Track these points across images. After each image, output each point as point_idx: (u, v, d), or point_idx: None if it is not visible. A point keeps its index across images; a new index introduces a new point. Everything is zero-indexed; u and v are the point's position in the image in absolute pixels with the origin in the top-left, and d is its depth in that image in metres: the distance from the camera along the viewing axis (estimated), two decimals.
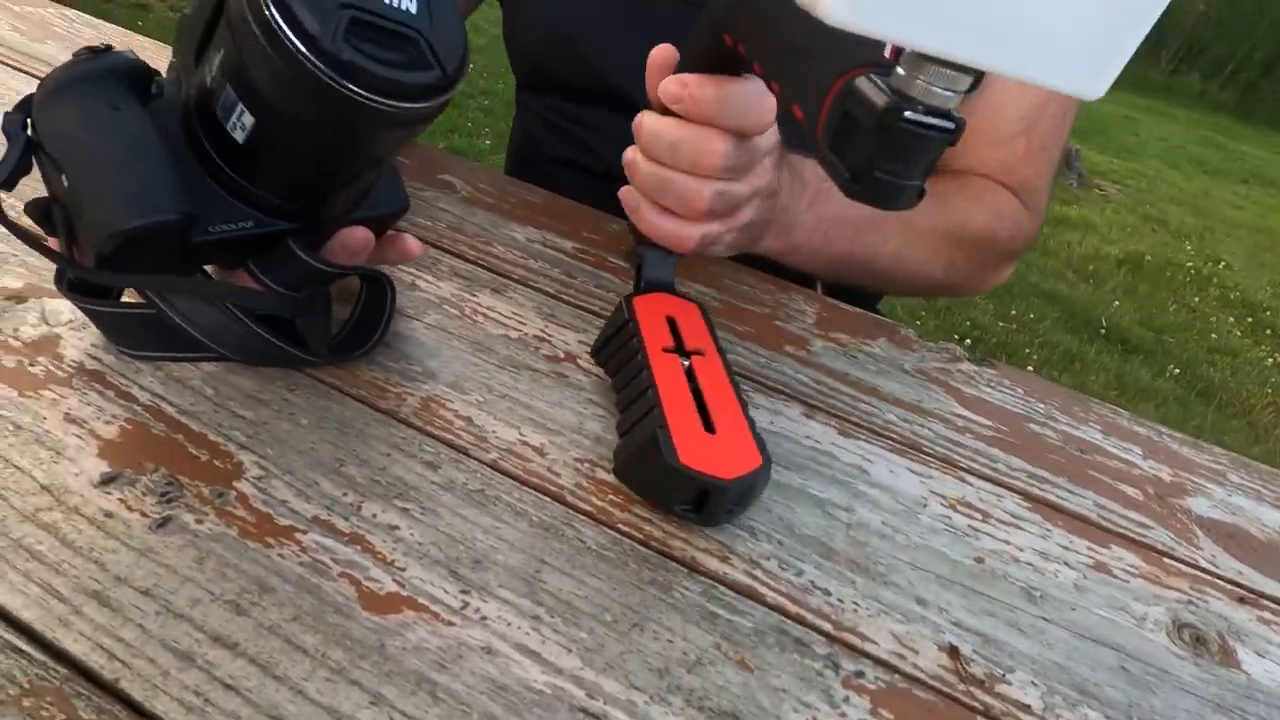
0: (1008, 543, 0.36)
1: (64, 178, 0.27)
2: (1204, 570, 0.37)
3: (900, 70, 0.23)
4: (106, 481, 0.28)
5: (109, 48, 0.29)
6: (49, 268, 0.38)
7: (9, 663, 0.22)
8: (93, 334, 0.35)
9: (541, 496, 0.32)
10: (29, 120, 0.28)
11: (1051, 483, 0.41)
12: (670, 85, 0.37)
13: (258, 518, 0.28)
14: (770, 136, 0.40)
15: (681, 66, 0.39)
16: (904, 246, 0.53)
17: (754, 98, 0.36)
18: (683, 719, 0.25)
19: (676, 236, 0.41)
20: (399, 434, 0.33)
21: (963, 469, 0.40)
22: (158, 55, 0.65)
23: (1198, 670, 0.32)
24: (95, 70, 0.28)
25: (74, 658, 0.23)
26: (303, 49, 0.25)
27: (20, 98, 0.28)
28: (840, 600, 0.31)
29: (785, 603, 0.30)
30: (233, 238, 0.30)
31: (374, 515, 0.30)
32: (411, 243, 0.36)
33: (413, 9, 0.27)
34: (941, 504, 0.37)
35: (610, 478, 0.34)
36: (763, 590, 0.30)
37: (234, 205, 0.30)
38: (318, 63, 0.25)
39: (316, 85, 0.25)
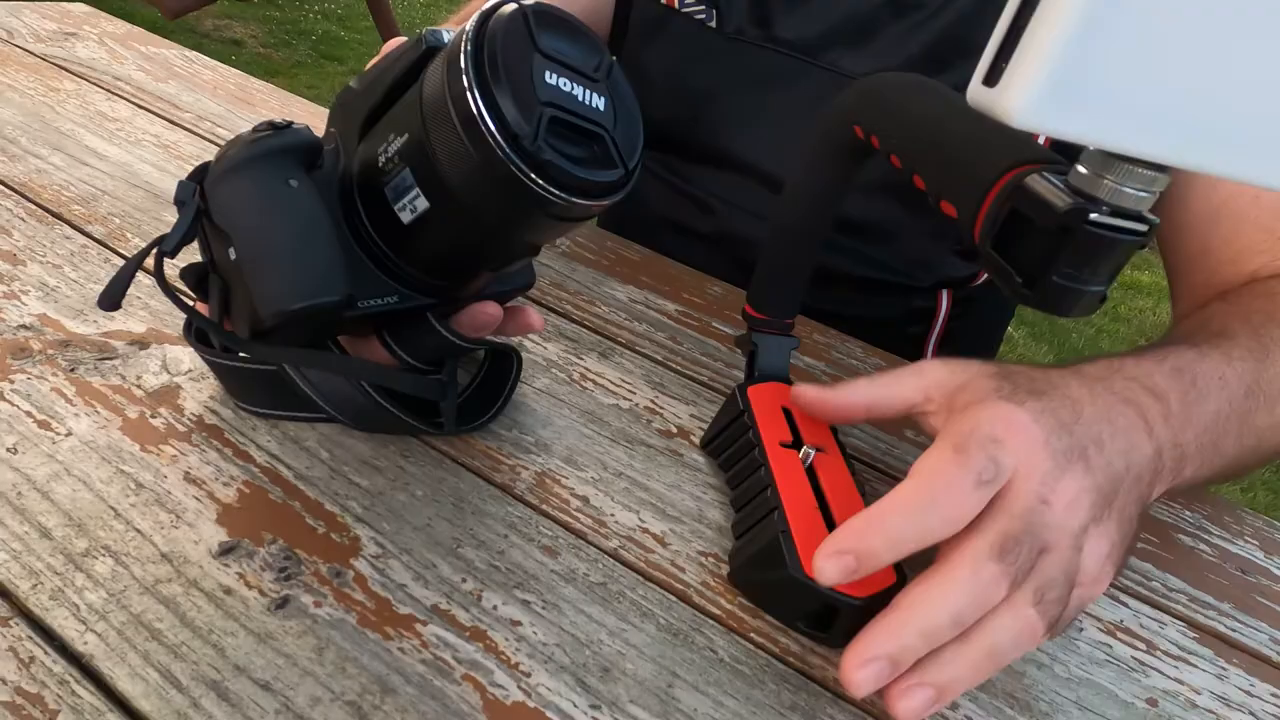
0: (1181, 682, 0.32)
1: (231, 250, 0.27)
2: None
3: (1082, 169, 0.21)
4: (225, 552, 0.27)
5: (289, 124, 0.29)
6: (171, 313, 0.38)
7: None
8: (211, 385, 0.34)
9: (667, 595, 0.30)
10: (200, 189, 0.28)
11: (1217, 609, 0.36)
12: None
13: (376, 603, 0.27)
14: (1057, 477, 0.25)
15: (805, 160, 0.36)
16: None
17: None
18: None
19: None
20: (515, 513, 0.31)
21: (1116, 586, 0.36)
22: (242, 87, 0.67)
23: None
24: (276, 147, 0.28)
25: None
26: (504, 146, 0.24)
27: (195, 167, 0.29)
28: None
29: None
30: (376, 312, 0.30)
31: (495, 607, 0.28)
32: (534, 317, 0.34)
33: (601, 105, 0.26)
34: (1099, 629, 0.33)
35: None
36: None
37: (382, 280, 0.29)
38: (518, 160, 0.24)
39: (511, 181, 0.25)
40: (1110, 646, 0.32)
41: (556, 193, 0.25)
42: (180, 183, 0.28)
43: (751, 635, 0.29)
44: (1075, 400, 0.27)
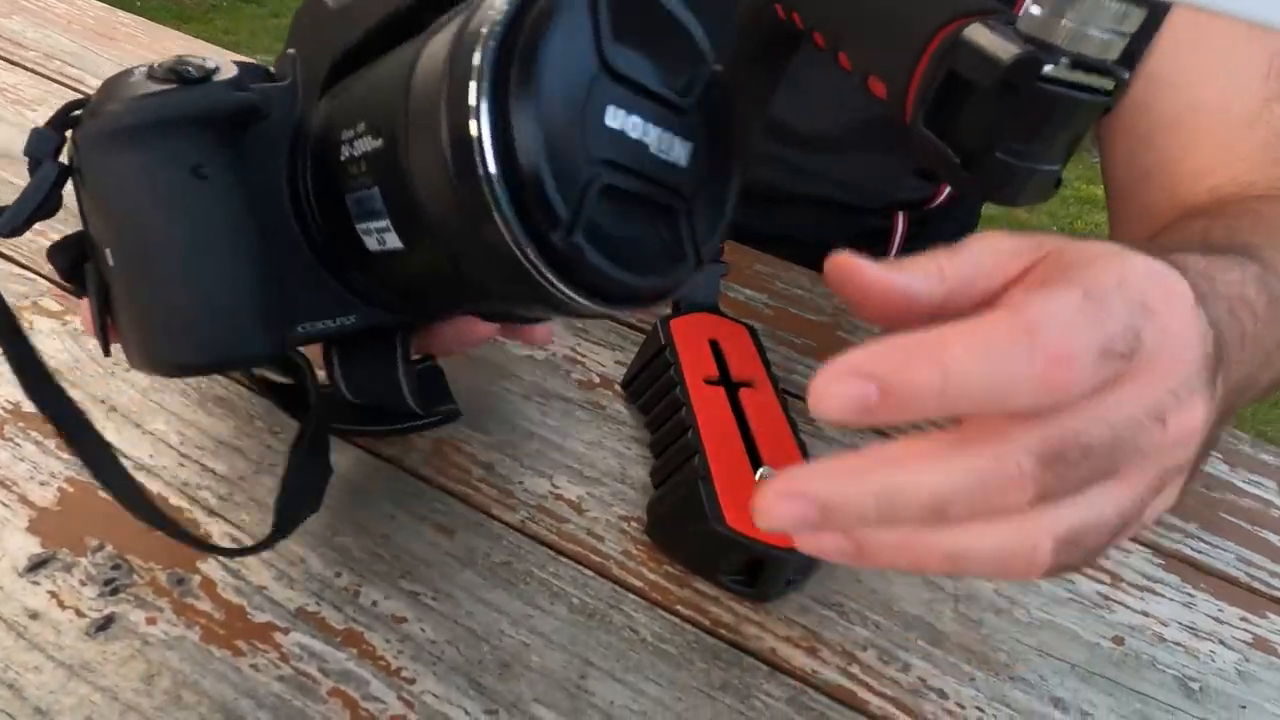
0: (1147, 614, 0.29)
1: (109, 252, 0.20)
2: None
3: (1034, 8, 0.16)
4: (36, 567, 0.22)
5: (208, 71, 0.19)
6: None
7: None
8: None
9: (582, 570, 0.26)
10: (65, 147, 0.20)
11: (1182, 530, 0.34)
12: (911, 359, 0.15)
13: (227, 613, 0.22)
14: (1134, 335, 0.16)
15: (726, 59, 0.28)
16: None
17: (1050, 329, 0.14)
18: None
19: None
20: (405, 489, 0.27)
21: None
22: (104, 21, 0.58)
23: None
24: (185, 113, 0.19)
25: None
26: (517, 229, 0.15)
27: (59, 109, 0.20)
28: (960, 705, 0.25)
29: (894, 712, 0.24)
30: (323, 335, 0.22)
31: (374, 603, 0.24)
32: (541, 331, 0.27)
33: (683, 157, 0.17)
34: None
35: None
36: (864, 696, 0.24)
37: (336, 293, 0.21)
38: (535, 256, 0.15)
39: (521, 274, 0.16)
40: (1073, 583, 0.30)
41: (585, 303, 0.16)
42: (35, 130, 0.20)
43: (678, 608, 0.25)
44: (1211, 295, 0.19)
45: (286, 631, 0.22)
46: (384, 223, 0.18)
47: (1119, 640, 0.28)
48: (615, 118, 0.16)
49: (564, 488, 0.29)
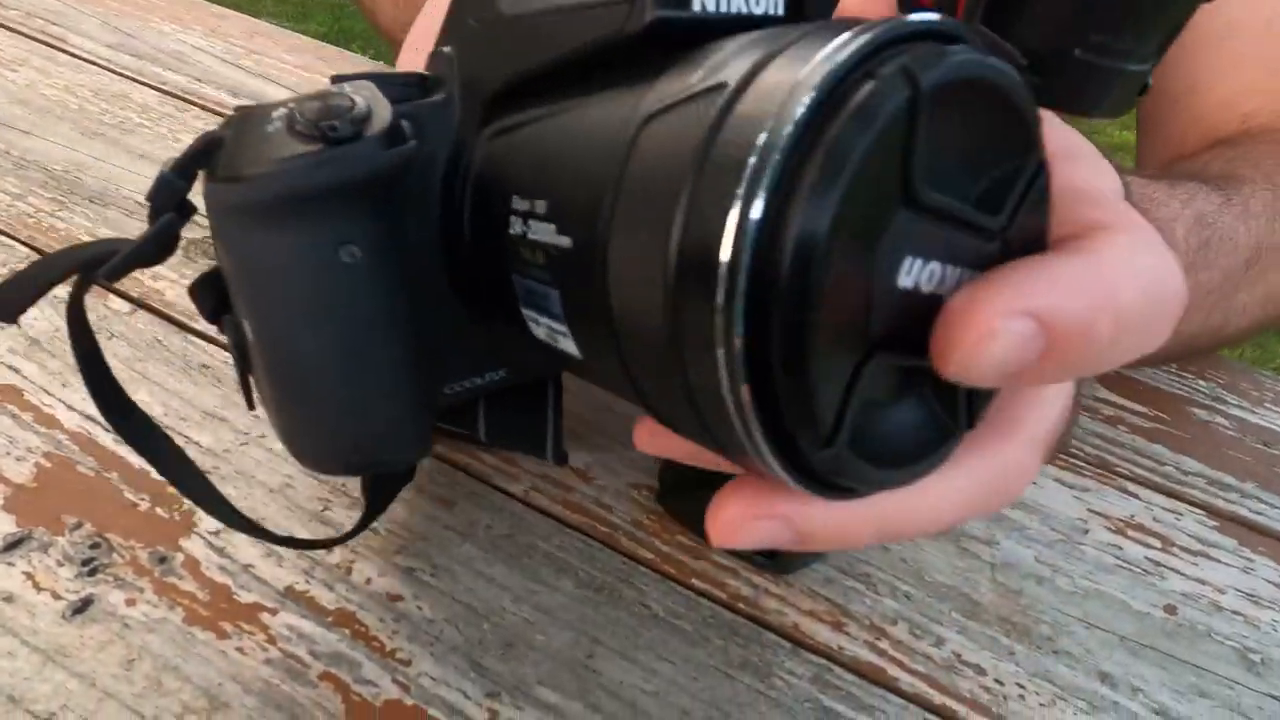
0: (1203, 582, 0.27)
1: (247, 325, 0.17)
2: None
3: None
4: (10, 547, 0.21)
5: (359, 128, 0.15)
6: None
7: None
8: (9, 336, 0.27)
9: (589, 541, 0.24)
10: (186, 202, 0.16)
11: (1239, 490, 0.31)
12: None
13: (211, 592, 0.21)
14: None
15: None
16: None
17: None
18: None
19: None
20: None
21: (1124, 475, 0.31)
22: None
23: None
24: (329, 186, 0.15)
25: None
26: (757, 432, 0.11)
27: (182, 153, 0.16)
28: (999, 681, 0.23)
29: (927, 690, 0.22)
30: (471, 394, 0.20)
31: (368, 580, 0.22)
32: None
33: None
34: (1107, 527, 0.28)
35: None
36: (894, 672, 0.22)
37: (488, 350, 0.19)
38: (777, 461, 0.11)
39: (735, 444, 0.11)
40: (1120, 548, 0.28)
41: (799, 487, 0.12)
42: (162, 177, 0.16)
43: (693, 581, 0.24)
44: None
45: (274, 612, 0.21)
46: (560, 327, 0.15)
47: (1171, 609, 0.26)
48: (910, 272, 0.11)
49: (570, 454, 0.27)
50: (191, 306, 0.26)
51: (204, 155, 0.15)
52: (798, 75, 0.10)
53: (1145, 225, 0.12)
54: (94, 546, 0.22)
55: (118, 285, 0.30)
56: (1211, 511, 0.30)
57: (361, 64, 0.55)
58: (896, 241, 0.10)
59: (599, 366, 0.15)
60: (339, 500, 0.24)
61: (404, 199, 0.16)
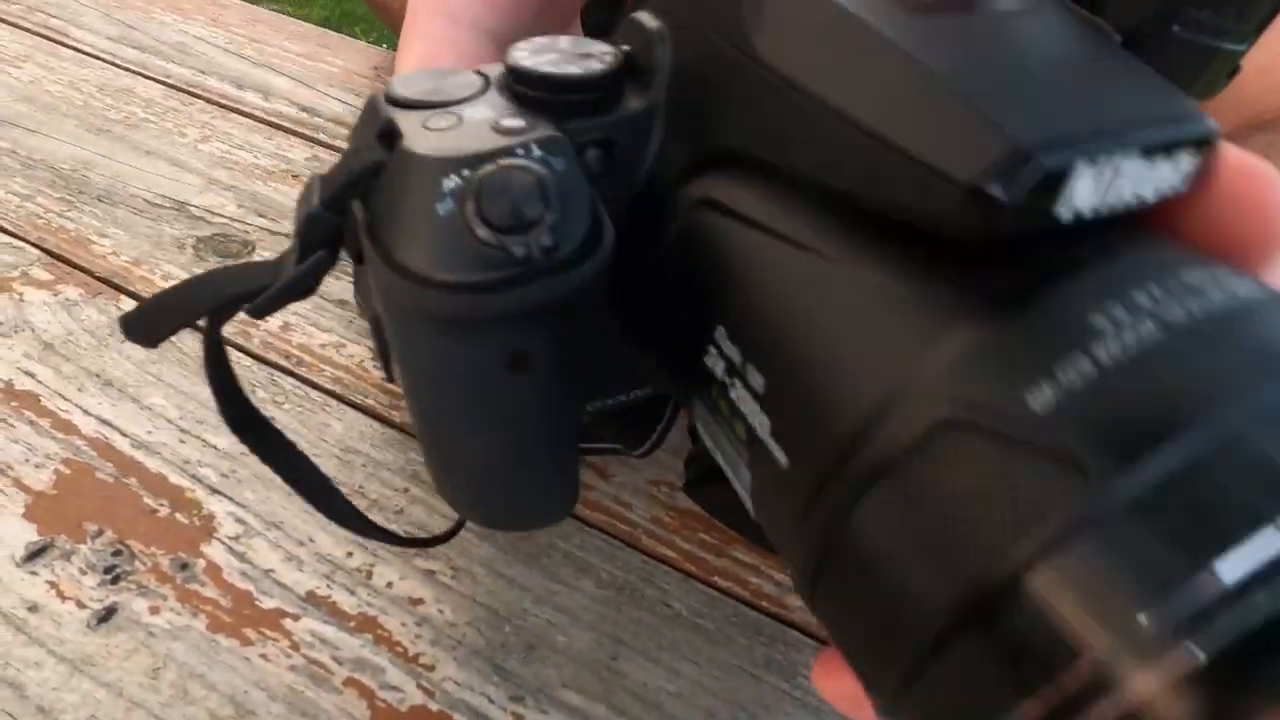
0: None
1: (402, 385, 0.16)
2: None
3: None
4: (33, 556, 0.21)
5: (550, 254, 0.13)
6: None
7: None
8: (26, 340, 0.27)
9: (610, 540, 0.24)
10: (339, 238, 0.14)
11: None
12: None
13: (233, 599, 0.21)
14: None
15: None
16: None
17: None
18: None
19: None
20: (420, 458, 0.25)
21: None
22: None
23: None
24: (507, 313, 0.13)
25: None
26: None
27: (334, 184, 0.14)
28: None
29: None
30: (613, 409, 0.18)
31: (389, 584, 0.22)
32: None
33: None
34: None
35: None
36: None
37: (634, 366, 0.17)
38: None
39: None
40: None
41: None
42: (310, 215, 0.14)
43: (716, 580, 0.23)
44: None
45: (297, 618, 0.21)
46: (745, 477, 0.13)
47: None
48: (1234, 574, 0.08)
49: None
50: None
51: (358, 184, 0.13)
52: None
53: None
54: (116, 554, 0.22)
55: (128, 284, 0.30)
56: None
57: (372, 51, 0.54)
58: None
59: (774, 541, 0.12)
60: (358, 502, 0.24)
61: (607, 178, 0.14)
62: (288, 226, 0.35)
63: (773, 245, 0.12)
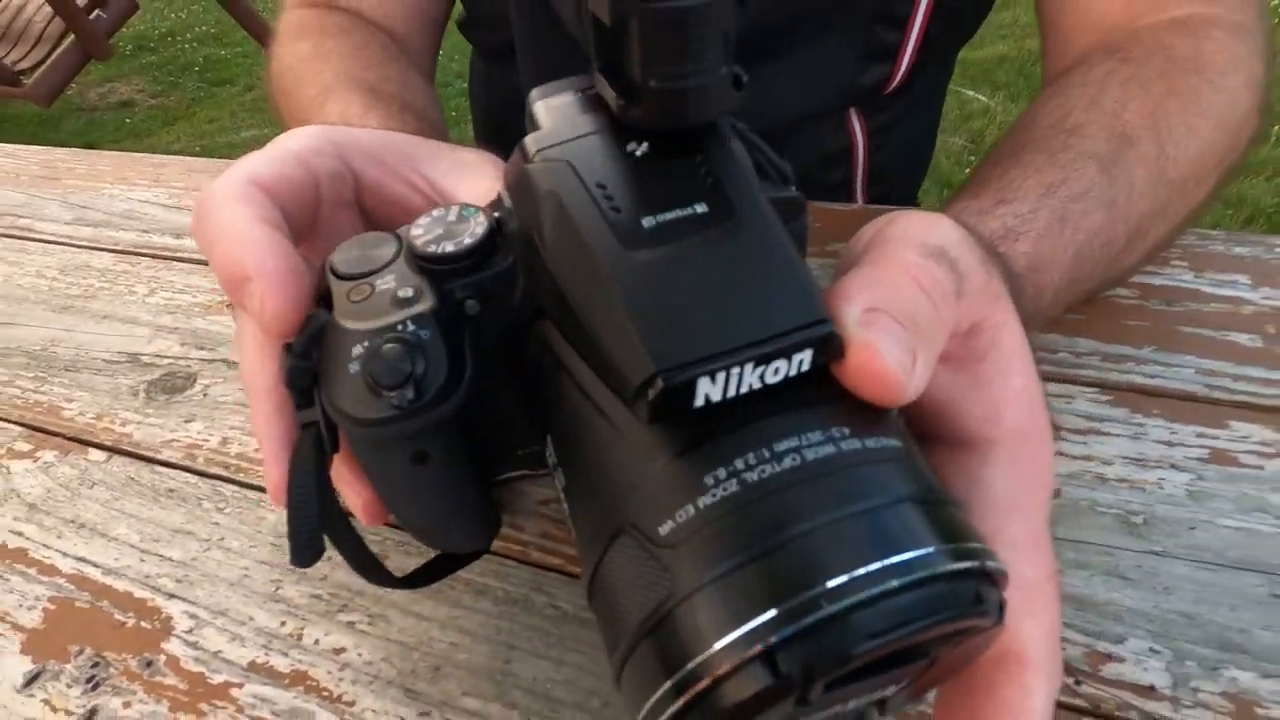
0: (1089, 458, 0.28)
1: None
2: None
3: None
4: (30, 682, 0.26)
5: (421, 395, 0.18)
6: None
7: None
8: (15, 508, 0.32)
9: (504, 562, 0.27)
10: (317, 376, 0.20)
11: (1135, 359, 0.32)
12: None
13: (189, 681, 0.25)
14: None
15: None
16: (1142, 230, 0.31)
17: None
18: None
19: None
20: None
21: None
22: (46, 164, 0.62)
23: None
24: (398, 437, 0.19)
25: None
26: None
27: (300, 339, 0.19)
28: None
29: None
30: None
31: (316, 641, 0.26)
32: None
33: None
34: None
35: None
36: None
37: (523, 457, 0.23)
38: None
39: None
40: None
41: None
42: (294, 366, 0.19)
43: None
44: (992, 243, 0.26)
45: (241, 685, 0.25)
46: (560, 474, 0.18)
47: (1055, 494, 0.27)
48: None
49: None
50: (156, 439, 0.30)
51: (314, 339, 0.19)
52: (740, 635, 0.13)
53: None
54: (94, 665, 0.26)
55: (93, 437, 0.35)
56: (1104, 386, 0.31)
57: None
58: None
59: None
60: (288, 579, 0.28)
61: (477, 396, 0.19)
62: (223, 353, 0.39)
63: (568, 386, 0.17)
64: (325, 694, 0.24)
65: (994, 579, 0.14)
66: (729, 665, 0.13)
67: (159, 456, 0.34)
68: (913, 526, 0.14)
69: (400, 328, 0.18)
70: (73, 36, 2.01)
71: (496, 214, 0.19)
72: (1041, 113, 0.33)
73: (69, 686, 0.25)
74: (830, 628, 0.13)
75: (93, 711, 0.25)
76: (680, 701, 0.13)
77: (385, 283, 0.19)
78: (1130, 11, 0.37)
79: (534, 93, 0.19)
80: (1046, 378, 0.32)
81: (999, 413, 0.18)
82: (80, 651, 0.26)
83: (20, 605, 0.28)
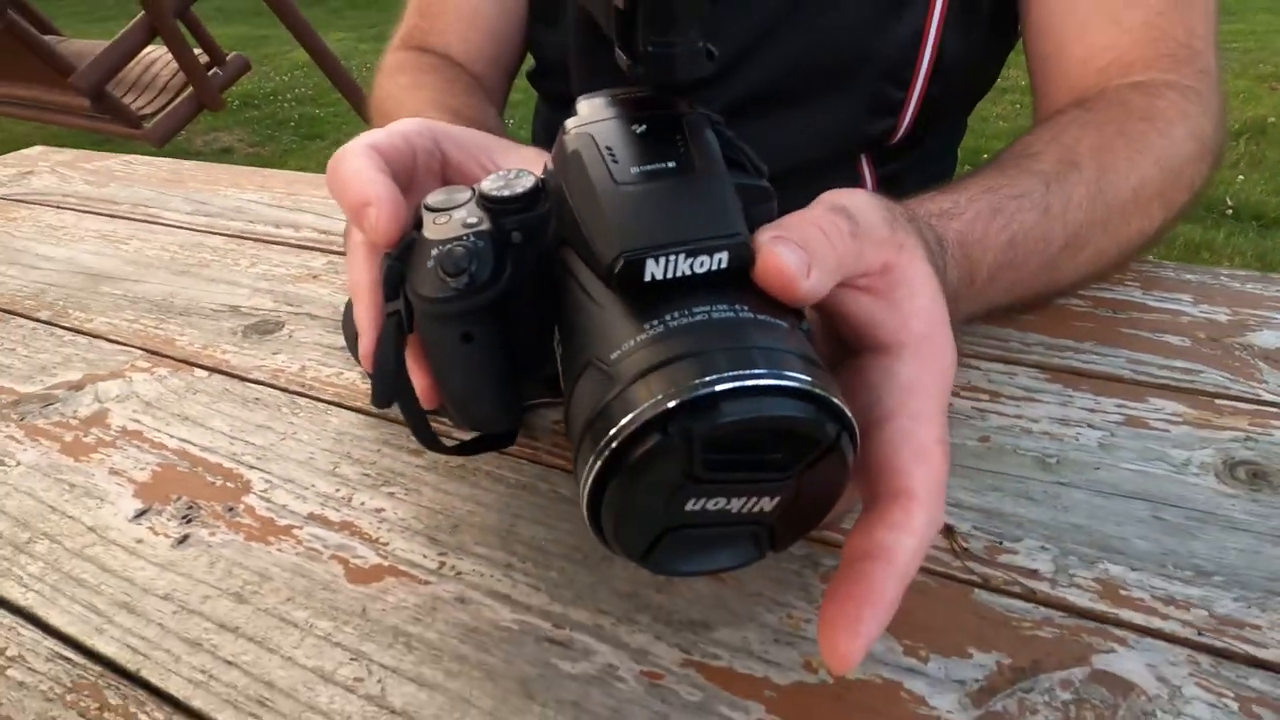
0: (1019, 417, 0.33)
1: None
2: (1268, 403, 0.33)
3: None
4: (139, 515, 0.32)
5: (473, 277, 0.24)
6: (102, 360, 0.44)
7: (57, 668, 0.26)
8: (136, 403, 0.40)
9: (519, 461, 0.33)
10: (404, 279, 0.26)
11: (1075, 349, 0.37)
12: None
13: (261, 523, 0.31)
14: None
15: None
16: (1092, 255, 0.38)
17: None
18: (649, 634, 0.25)
19: None
20: (389, 431, 0.36)
21: (967, 354, 0.37)
22: (174, 171, 0.73)
23: (1255, 506, 0.28)
24: (449, 314, 0.25)
25: (106, 657, 0.26)
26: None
27: (398, 248, 0.26)
28: None
29: None
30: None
31: (362, 503, 0.32)
32: None
33: (768, 507, 0.21)
34: None
35: None
36: None
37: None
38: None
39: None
40: (950, 405, 0.34)
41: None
42: (391, 265, 0.26)
43: None
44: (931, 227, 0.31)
45: (301, 528, 0.31)
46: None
47: (984, 439, 0.32)
48: (694, 505, 0.20)
49: None
50: (249, 364, 0.38)
51: (409, 248, 0.26)
52: (644, 409, 0.18)
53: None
54: (189, 508, 0.32)
55: (198, 361, 0.43)
56: (1044, 368, 0.36)
57: None
58: (684, 493, 0.19)
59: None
60: (345, 462, 0.34)
61: (513, 293, 0.25)
62: (307, 309, 0.47)
63: (571, 285, 0.24)
64: (365, 536, 0.30)
65: (837, 415, 0.19)
66: (631, 429, 0.18)
67: (250, 376, 0.41)
68: (781, 359, 0.19)
69: (465, 239, 0.25)
70: (191, 89, 2.27)
71: (543, 176, 0.27)
72: (1011, 146, 0.40)
73: (169, 520, 0.32)
74: (705, 406, 0.18)
75: (185, 536, 0.31)
76: (600, 462, 0.19)
77: (459, 214, 0.26)
78: (1102, 79, 0.44)
79: (580, 96, 0.26)
80: (995, 359, 0.37)
81: (907, 324, 0.24)
82: (178, 498, 0.33)
83: (134, 467, 0.35)
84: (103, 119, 2.21)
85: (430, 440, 0.29)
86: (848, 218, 0.23)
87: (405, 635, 0.26)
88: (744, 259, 0.21)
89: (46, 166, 0.81)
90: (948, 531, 0.28)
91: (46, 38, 2.22)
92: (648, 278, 0.21)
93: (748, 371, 0.19)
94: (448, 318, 0.25)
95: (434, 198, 0.27)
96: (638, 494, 0.19)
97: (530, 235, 0.26)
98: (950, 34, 0.51)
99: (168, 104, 2.32)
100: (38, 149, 0.88)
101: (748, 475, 0.19)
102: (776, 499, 0.20)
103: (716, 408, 0.18)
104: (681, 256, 0.21)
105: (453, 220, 0.26)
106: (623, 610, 0.26)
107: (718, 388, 0.18)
